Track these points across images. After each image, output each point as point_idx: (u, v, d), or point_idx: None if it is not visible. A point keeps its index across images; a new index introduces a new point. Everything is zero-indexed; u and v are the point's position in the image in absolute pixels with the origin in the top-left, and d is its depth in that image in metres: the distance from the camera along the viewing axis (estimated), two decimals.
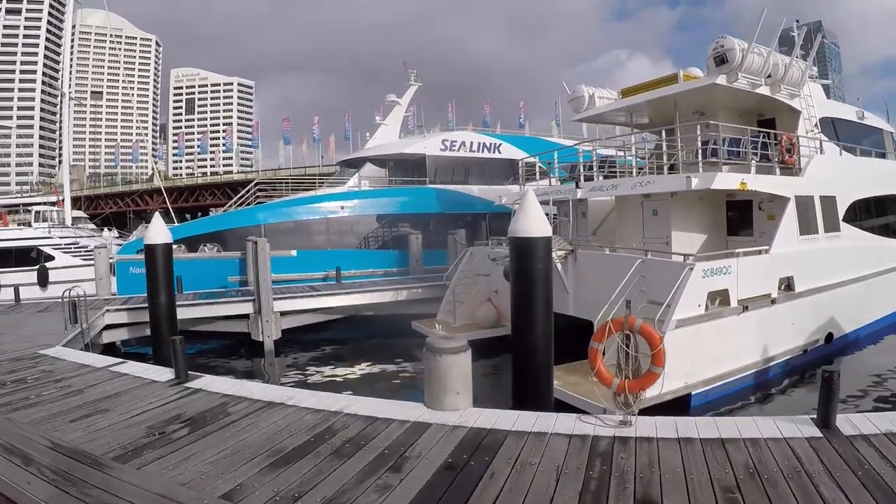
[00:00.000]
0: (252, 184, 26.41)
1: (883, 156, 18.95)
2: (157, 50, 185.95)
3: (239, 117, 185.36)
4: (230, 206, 26.16)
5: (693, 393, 10.25)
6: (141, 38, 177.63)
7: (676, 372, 9.88)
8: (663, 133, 14.55)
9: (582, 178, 15.59)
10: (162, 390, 8.39)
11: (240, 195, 25.94)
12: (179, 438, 6.46)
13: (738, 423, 6.36)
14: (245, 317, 16.97)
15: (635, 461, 5.50)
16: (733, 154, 13.23)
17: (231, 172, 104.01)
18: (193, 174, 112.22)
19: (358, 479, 5.29)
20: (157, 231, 12.74)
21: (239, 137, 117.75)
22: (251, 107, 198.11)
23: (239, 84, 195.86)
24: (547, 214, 18.09)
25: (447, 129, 33.34)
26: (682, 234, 14.29)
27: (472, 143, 26.62)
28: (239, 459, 5.83)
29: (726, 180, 12.17)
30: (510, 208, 24.07)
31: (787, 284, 12.52)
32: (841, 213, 14.97)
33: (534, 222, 8.57)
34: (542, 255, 8.45)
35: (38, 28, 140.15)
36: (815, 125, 15.80)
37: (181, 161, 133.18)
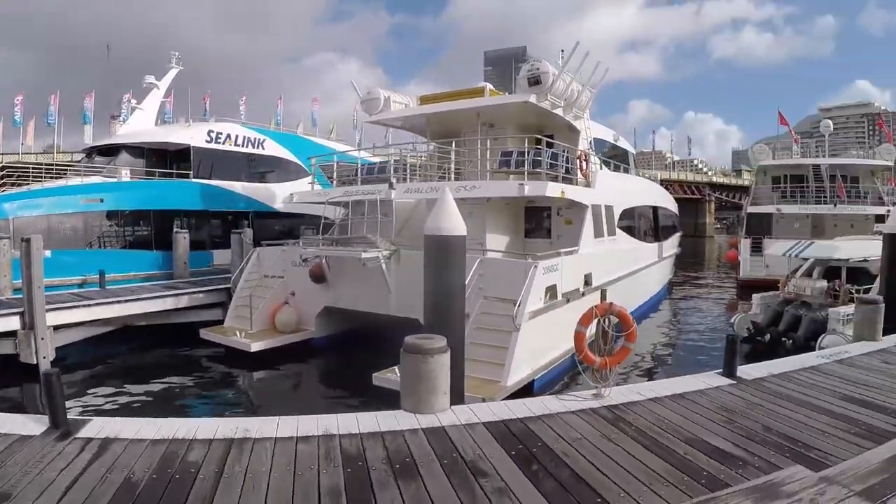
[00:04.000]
0: None
1: (627, 171, 22.67)
2: None
3: None
4: None
5: (535, 378, 11.08)
6: None
7: (526, 361, 10.73)
8: (498, 141, 16.02)
9: (395, 179, 15.67)
10: (53, 449, 5.49)
11: None
12: None
13: (667, 384, 7.72)
14: (6, 335, 12.97)
15: (645, 419, 6.33)
16: (526, 164, 14.42)
17: None
18: None
19: (467, 498, 4.72)
20: None
21: None
22: None
23: None
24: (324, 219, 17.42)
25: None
26: (492, 236, 15.37)
27: (237, 136, 25.19)
28: None
29: (554, 189, 13.66)
30: (273, 208, 24.20)
31: (586, 280, 14.16)
32: (616, 220, 17.87)
33: (453, 220, 8.31)
34: (460, 254, 8.28)
35: None
36: (590, 143, 18.42)
37: None
